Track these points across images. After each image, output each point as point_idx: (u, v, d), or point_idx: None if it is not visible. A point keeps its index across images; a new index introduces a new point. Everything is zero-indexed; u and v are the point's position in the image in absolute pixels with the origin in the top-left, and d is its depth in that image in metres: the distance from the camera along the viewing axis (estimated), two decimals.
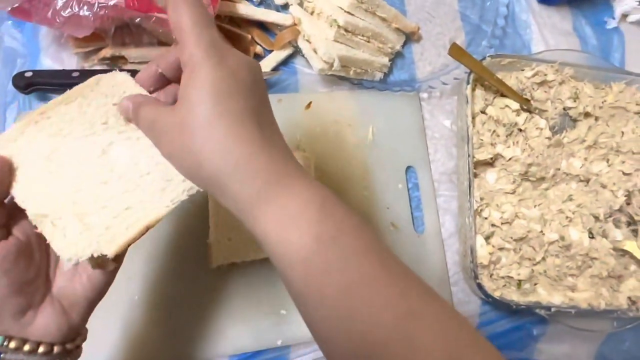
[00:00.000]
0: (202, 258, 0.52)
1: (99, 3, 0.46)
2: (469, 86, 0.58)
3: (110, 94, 0.36)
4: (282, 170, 0.28)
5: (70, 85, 0.37)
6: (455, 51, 0.57)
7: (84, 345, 0.37)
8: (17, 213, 0.33)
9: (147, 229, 0.33)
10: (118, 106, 0.35)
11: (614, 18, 0.72)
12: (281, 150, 0.29)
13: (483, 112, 0.60)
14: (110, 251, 0.32)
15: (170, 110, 0.29)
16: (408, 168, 0.61)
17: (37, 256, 0.34)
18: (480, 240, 0.55)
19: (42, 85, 0.54)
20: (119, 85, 0.37)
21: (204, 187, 0.30)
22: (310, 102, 0.60)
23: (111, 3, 0.46)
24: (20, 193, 0.33)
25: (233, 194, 0.27)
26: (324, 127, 0.60)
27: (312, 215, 0.26)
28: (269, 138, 0.28)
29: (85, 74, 0.54)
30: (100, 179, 0.34)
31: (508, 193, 0.59)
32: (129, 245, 0.33)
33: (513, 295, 0.55)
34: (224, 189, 0.28)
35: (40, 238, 0.33)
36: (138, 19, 0.48)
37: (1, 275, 0.31)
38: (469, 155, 0.56)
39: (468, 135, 0.56)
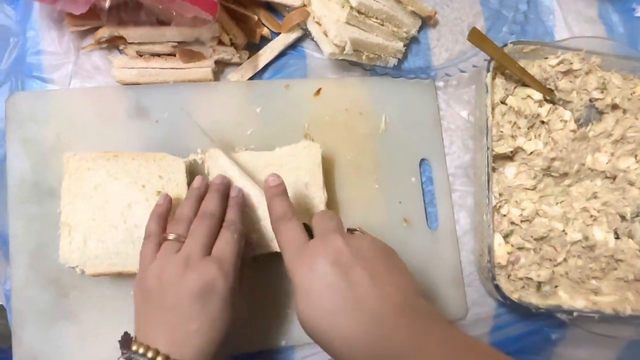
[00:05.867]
0: None
1: None
2: (489, 74, 0.54)
3: (162, 169, 0.48)
4: None
5: None
6: (476, 36, 0.53)
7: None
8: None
9: (120, 274, 0.46)
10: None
11: None
12: None
13: (503, 102, 0.57)
14: (89, 272, 0.45)
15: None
16: (422, 161, 0.58)
17: None
18: (498, 239, 0.52)
19: None
20: (171, 167, 0.48)
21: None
22: (320, 89, 0.56)
23: None
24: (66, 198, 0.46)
25: None
26: (334, 116, 0.56)
27: None
28: None
29: None
30: (114, 222, 0.46)
31: (528, 189, 0.55)
32: (105, 275, 0.46)
33: (532, 298, 0.52)
34: None
35: None
36: None
37: None
38: (487, 148, 0.52)
39: (487, 126, 0.53)
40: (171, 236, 0.40)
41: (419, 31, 0.60)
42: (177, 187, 0.48)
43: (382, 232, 0.53)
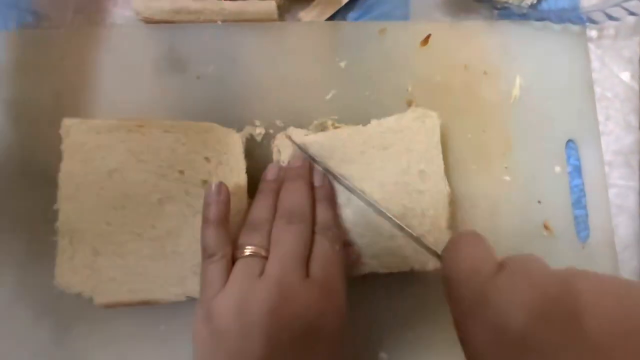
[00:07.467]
0: None
1: None
2: None
3: (210, 148, 0.34)
4: None
5: None
6: None
7: None
8: None
9: (144, 304, 0.32)
10: None
11: None
12: None
13: None
14: (100, 301, 0.32)
15: None
16: (567, 142, 0.41)
17: None
18: None
19: None
20: (223, 145, 0.34)
21: None
22: (428, 36, 0.41)
23: None
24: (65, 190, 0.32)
25: None
26: (447, 75, 0.41)
27: None
28: None
29: None
30: (138, 227, 0.32)
31: None
32: (120, 306, 0.32)
33: None
34: None
35: None
36: None
37: None
38: None
39: None
40: (248, 250, 0.29)
41: None
42: (231, 175, 0.33)
43: (513, 243, 0.39)
